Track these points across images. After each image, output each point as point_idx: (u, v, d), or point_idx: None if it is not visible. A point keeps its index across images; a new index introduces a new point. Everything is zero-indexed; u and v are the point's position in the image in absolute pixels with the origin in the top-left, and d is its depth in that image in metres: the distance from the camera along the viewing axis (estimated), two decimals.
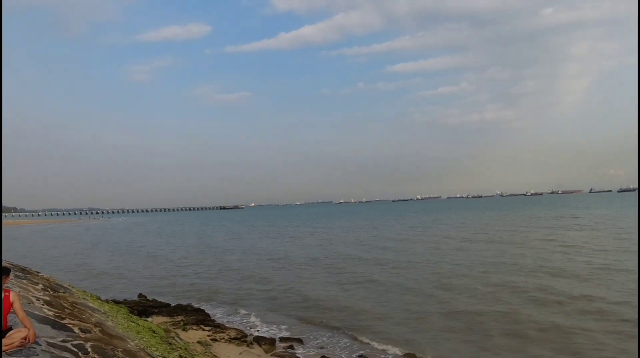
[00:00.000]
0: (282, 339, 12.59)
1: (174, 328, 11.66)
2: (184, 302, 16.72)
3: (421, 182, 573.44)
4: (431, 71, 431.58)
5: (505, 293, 16.97)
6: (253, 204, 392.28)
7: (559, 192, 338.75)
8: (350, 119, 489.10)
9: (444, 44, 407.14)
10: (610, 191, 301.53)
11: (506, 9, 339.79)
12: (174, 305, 15.81)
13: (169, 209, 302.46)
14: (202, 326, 12.63)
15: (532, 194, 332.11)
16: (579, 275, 19.54)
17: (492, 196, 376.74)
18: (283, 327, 14.11)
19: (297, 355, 11.36)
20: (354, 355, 11.34)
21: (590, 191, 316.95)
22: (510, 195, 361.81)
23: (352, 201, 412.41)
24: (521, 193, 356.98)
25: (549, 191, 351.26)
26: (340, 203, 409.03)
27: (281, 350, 11.60)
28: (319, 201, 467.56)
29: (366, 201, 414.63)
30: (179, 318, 13.27)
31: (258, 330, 13.68)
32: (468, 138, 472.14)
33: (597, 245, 29.17)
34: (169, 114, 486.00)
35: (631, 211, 65.14)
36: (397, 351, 11.36)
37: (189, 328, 12.14)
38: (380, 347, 11.82)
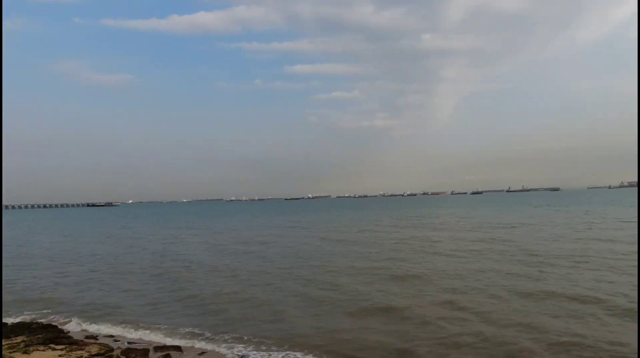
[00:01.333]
0: (158, 348, 11.45)
1: (11, 353, 9.62)
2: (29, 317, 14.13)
3: (313, 182, 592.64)
4: (328, 76, 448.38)
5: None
6: (131, 201, 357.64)
7: (429, 193, 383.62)
8: (245, 116, 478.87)
9: (341, 52, 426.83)
10: (465, 193, 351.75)
11: (395, 29, 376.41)
12: (13, 322, 13.24)
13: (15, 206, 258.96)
14: (51, 345, 10.61)
15: (408, 195, 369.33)
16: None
17: (376, 196, 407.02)
18: (161, 334, 12.89)
19: None
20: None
21: (451, 193, 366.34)
22: (391, 195, 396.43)
23: (244, 198, 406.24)
24: (399, 193, 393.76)
25: (422, 192, 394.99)
26: (231, 200, 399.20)
27: None
28: (209, 198, 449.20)
29: (259, 199, 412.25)
30: (19, 339, 11.00)
31: (130, 342, 12.21)
32: (359, 142, 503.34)
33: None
34: (22, 91, 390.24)
35: (477, 209, 76.96)
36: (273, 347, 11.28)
37: (33, 350, 10.09)
38: (263, 347, 11.55)
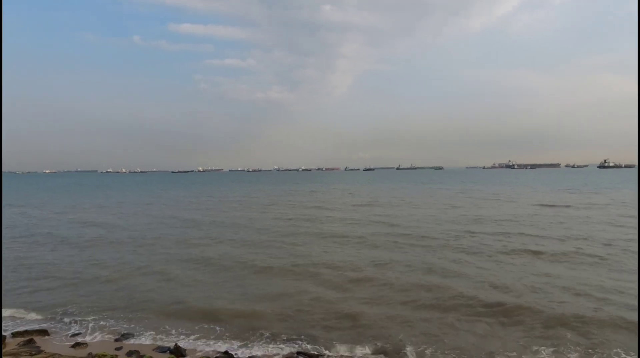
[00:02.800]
0: (16, 334, 9.78)
1: None
2: None
3: (204, 154, 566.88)
4: (221, 40, 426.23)
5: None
6: None
7: (324, 169, 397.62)
8: (121, 76, 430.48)
9: (234, 14, 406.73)
10: (358, 169, 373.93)
11: None
12: None
13: None
14: None
15: (303, 170, 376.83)
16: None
17: (270, 170, 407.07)
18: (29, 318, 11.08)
19: (41, 348, 9.03)
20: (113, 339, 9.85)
21: (345, 169, 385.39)
22: (286, 170, 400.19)
23: (123, 170, 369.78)
24: (294, 168, 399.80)
25: (316, 168, 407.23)
26: (107, 172, 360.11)
27: (14, 347, 8.97)
28: (79, 169, 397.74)
29: (141, 171, 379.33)
30: None
31: None
32: (254, 115, 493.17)
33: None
34: None
35: (368, 186, 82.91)
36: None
37: None
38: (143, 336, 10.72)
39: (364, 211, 35.37)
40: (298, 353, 9.18)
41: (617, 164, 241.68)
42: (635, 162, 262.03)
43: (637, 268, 15.32)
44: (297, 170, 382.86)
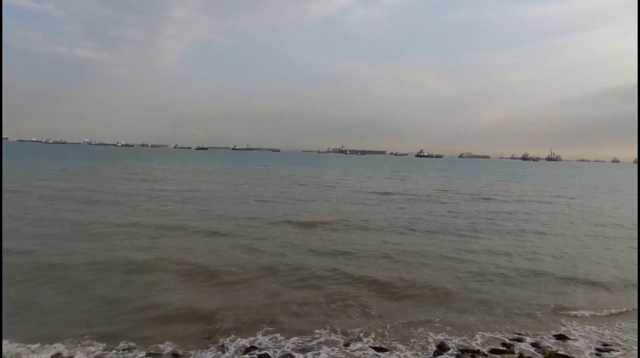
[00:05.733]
0: None
1: None
2: None
3: None
4: None
5: None
6: None
7: (149, 145, 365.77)
8: None
9: None
10: (190, 148, 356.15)
11: None
12: None
13: None
14: None
15: (123, 146, 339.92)
16: None
17: (80, 143, 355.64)
18: None
19: None
20: None
21: (175, 147, 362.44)
22: (100, 144, 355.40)
23: None
24: (112, 143, 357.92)
25: (140, 144, 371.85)
26: None
27: None
28: None
29: None
30: None
31: None
32: (55, 72, 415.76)
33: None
34: None
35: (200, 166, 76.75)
36: None
37: None
38: None
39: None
40: None
41: (430, 154, 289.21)
42: (443, 153, 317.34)
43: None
44: (116, 145, 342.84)
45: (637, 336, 9.63)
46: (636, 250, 18.51)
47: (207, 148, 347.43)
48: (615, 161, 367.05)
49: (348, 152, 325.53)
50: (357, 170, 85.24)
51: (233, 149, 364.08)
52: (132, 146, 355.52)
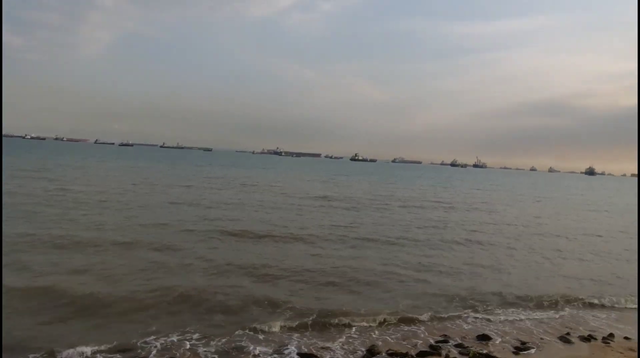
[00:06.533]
0: None
1: None
2: None
3: None
4: None
5: None
6: None
7: (64, 139, 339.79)
8: None
9: None
10: (113, 143, 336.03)
11: None
12: None
13: None
14: None
15: (33, 138, 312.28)
16: None
17: None
18: None
19: None
20: None
21: (95, 142, 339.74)
22: (6, 136, 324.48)
23: None
24: (19, 134, 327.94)
25: (54, 137, 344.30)
26: None
27: None
28: None
29: None
30: None
31: None
32: None
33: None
34: None
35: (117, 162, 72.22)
36: None
37: None
38: None
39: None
40: None
41: (365, 158, 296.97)
42: (377, 158, 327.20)
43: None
44: (24, 137, 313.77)
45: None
46: (535, 256, 20.18)
47: (132, 145, 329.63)
48: (533, 169, 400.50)
49: (283, 154, 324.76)
50: (293, 173, 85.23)
51: (162, 147, 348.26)
52: (44, 139, 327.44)
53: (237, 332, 9.46)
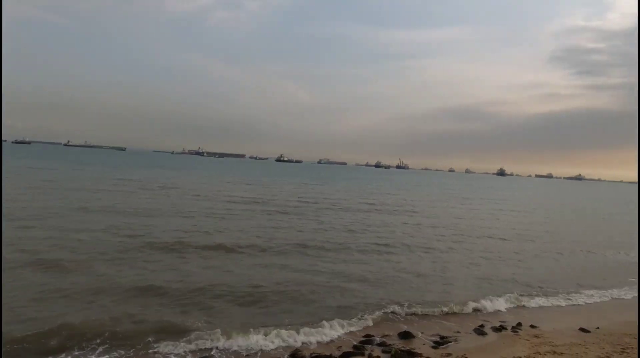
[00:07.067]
0: None
1: None
2: None
3: None
4: None
5: None
6: None
7: None
8: None
9: None
10: (5, 141, 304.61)
11: None
12: None
13: None
14: None
15: None
16: None
17: None
18: None
19: None
20: None
21: None
22: None
23: None
24: None
25: None
26: None
27: None
28: None
29: None
30: None
31: None
32: None
33: None
34: None
35: None
36: None
37: None
38: None
39: None
40: None
41: (290, 159, 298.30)
42: (303, 159, 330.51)
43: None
44: None
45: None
46: (456, 255, 21.59)
47: (29, 142, 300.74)
48: (451, 170, 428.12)
49: (205, 154, 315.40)
50: (216, 174, 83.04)
51: (66, 145, 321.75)
52: None
53: None
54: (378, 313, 11.74)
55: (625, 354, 9.59)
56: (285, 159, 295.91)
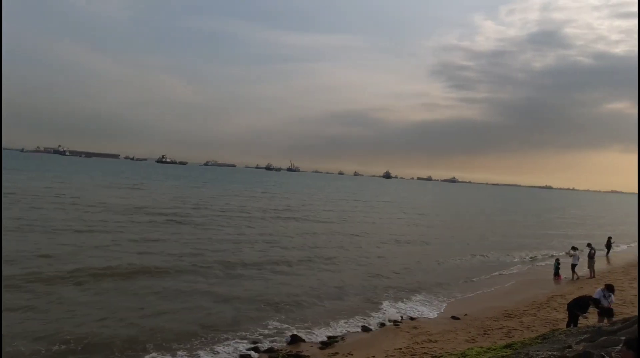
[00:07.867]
0: None
1: None
2: None
3: None
4: None
5: None
6: None
7: None
8: None
9: None
10: None
11: None
12: None
13: None
14: None
15: None
16: None
17: None
18: None
19: None
20: None
21: None
22: None
23: None
24: None
25: None
26: None
27: None
28: None
29: None
30: None
31: None
32: None
33: None
34: None
35: None
36: None
37: None
38: None
39: None
40: None
41: (173, 160, 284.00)
42: (187, 160, 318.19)
43: None
44: None
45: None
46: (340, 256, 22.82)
47: None
48: (341, 173, 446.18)
49: (68, 153, 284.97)
50: (82, 177, 74.86)
51: None
52: None
53: None
54: (267, 319, 11.93)
55: (486, 335, 11.08)
56: (168, 160, 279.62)
